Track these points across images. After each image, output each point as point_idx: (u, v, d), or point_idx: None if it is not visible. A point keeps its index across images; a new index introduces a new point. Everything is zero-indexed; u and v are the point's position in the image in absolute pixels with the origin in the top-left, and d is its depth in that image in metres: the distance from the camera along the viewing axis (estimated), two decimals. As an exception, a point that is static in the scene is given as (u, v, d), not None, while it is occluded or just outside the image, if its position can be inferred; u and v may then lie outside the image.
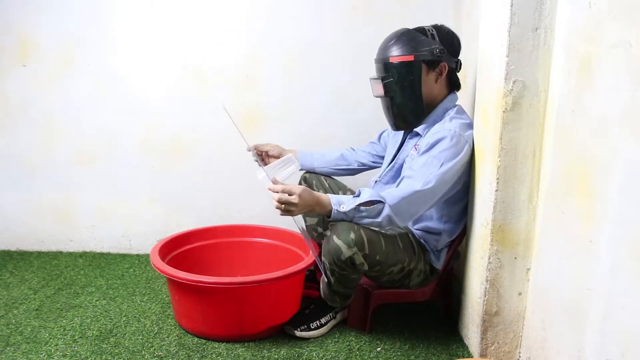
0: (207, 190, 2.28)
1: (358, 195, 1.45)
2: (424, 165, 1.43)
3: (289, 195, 1.40)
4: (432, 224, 1.57)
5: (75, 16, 2.13)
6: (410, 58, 1.49)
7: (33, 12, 2.14)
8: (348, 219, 1.43)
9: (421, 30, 1.53)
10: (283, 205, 1.41)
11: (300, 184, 1.84)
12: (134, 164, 2.26)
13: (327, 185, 1.82)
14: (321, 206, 1.43)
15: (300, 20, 2.12)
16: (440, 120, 1.53)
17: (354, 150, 1.88)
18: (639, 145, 0.93)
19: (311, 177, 1.83)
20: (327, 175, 1.86)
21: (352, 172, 1.88)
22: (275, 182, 1.45)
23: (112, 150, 2.25)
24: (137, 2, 2.12)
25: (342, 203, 1.43)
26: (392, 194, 1.42)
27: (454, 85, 1.59)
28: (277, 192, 1.41)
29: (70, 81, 2.19)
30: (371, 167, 1.86)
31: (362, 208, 1.42)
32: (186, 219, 2.26)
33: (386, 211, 1.41)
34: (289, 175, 1.66)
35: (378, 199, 1.42)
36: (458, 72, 1.58)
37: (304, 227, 1.63)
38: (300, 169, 1.83)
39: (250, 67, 2.16)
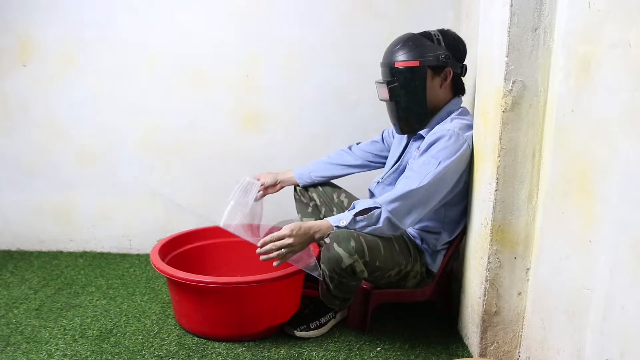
0: (207, 190, 2.28)
1: (353, 208, 1.45)
2: (422, 164, 1.44)
3: (280, 240, 1.39)
4: (432, 223, 1.57)
5: (75, 16, 2.13)
6: (416, 63, 1.50)
7: (33, 12, 2.13)
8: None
9: (427, 35, 1.53)
10: (283, 250, 1.39)
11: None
12: (134, 164, 2.26)
13: (317, 196, 1.82)
14: (321, 231, 1.43)
15: (300, 20, 2.12)
16: (443, 122, 1.54)
17: (351, 150, 1.86)
18: (639, 145, 0.93)
19: (301, 193, 1.85)
20: (323, 183, 1.85)
21: (355, 168, 1.85)
22: (263, 243, 1.40)
23: (112, 150, 2.25)
24: (137, 2, 2.12)
25: (341, 219, 1.43)
26: (386, 197, 1.43)
27: (458, 89, 1.59)
28: (268, 245, 1.39)
29: (70, 81, 2.19)
30: (371, 167, 1.85)
31: (358, 218, 1.42)
32: (186, 219, 2.26)
33: (384, 215, 1.41)
34: (254, 196, 1.76)
35: (373, 205, 1.43)
36: (463, 77, 1.59)
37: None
38: (300, 186, 1.85)
39: (250, 67, 2.16)
